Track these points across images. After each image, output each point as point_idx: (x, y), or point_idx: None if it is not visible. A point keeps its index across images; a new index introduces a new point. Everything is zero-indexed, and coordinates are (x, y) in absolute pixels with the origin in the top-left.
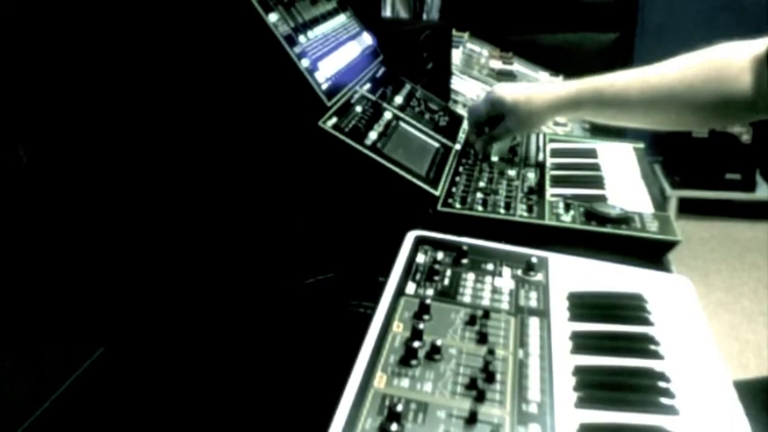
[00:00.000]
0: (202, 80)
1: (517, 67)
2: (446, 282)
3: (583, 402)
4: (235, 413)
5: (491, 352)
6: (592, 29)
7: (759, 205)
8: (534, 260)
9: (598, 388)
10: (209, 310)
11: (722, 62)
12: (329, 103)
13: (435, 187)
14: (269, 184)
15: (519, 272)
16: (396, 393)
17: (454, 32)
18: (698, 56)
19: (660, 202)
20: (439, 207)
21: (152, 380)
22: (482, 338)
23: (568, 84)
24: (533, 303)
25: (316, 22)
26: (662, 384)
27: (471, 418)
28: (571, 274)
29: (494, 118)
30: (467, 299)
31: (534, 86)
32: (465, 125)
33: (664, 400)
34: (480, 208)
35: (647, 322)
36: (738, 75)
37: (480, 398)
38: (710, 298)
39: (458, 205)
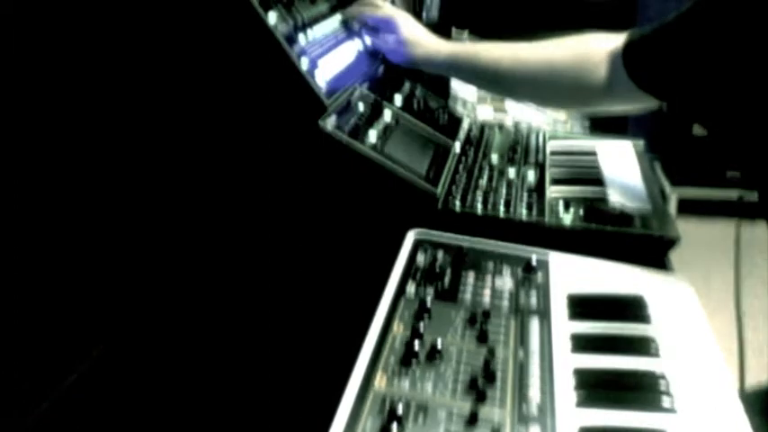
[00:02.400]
0: (202, 80)
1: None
2: (446, 282)
3: (583, 402)
4: (235, 413)
5: (491, 352)
6: (592, 27)
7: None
8: (534, 260)
9: (598, 388)
10: (209, 310)
11: (585, 51)
12: (329, 103)
13: (435, 187)
14: (268, 183)
15: (519, 272)
16: (396, 394)
17: (453, 31)
18: (567, 41)
19: (660, 200)
20: (439, 206)
21: (152, 379)
22: (482, 338)
23: (449, 45)
24: (533, 303)
25: (315, 21)
26: (662, 384)
27: (472, 419)
28: (571, 273)
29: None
30: (467, 299)
31: (425, 34)
32: (465, 123)
33: (664, 401)
34: (480, 207)
35: (647, 322)
36: (597, 65)
37: (481, 398)
38: (710, 297)
39: (458, 205)
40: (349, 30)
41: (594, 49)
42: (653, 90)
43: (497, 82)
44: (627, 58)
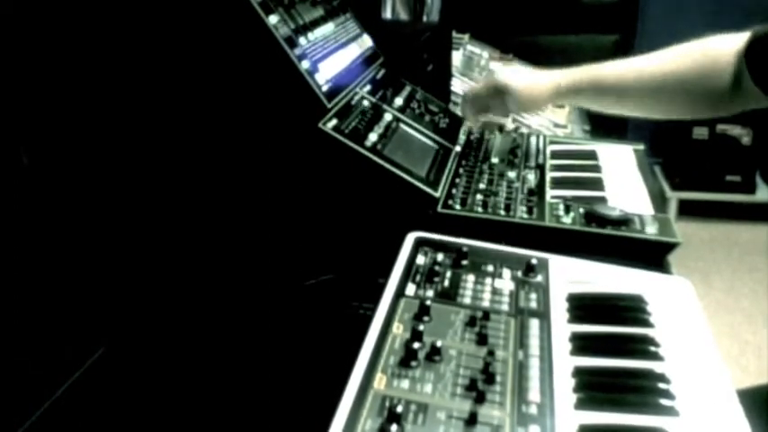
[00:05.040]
0: (203, 82)
1: (517, 68)
2: (446, 283)
3: (583, 404)
4: (235, 414)
5: (491, 353)
6: (592, 30)
7: (759, 207)
8: (534, 262)
9: (598, 389)
10: (209, 311)
11: (712, 54)
12: (329, 105)
13: (435, 189)
14: (269, 185)
15: (519, 273)
16: (396, 394)
17: (454, 34)
18: (691, 47)
19: (660, 203)
20: (439, 209)
21: (153, 380)
22: (482, 340)
23: (568, 72)
24: (533, 305)
25: (316, 23)
26: (662, 386)
27: (471, 420)
28: (571, 275)
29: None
30: (467, 300)
31: (534, 74)
32: (466, 126)
33: (664, 402)
34: (480, 209)
35: (647, 323)
36: (725, 68)
37: (480, 399)
38: (710, 299)
39: (458, 207)
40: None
41: (718, 52)
42: None
43: (623, 102)
44: (750, 59)
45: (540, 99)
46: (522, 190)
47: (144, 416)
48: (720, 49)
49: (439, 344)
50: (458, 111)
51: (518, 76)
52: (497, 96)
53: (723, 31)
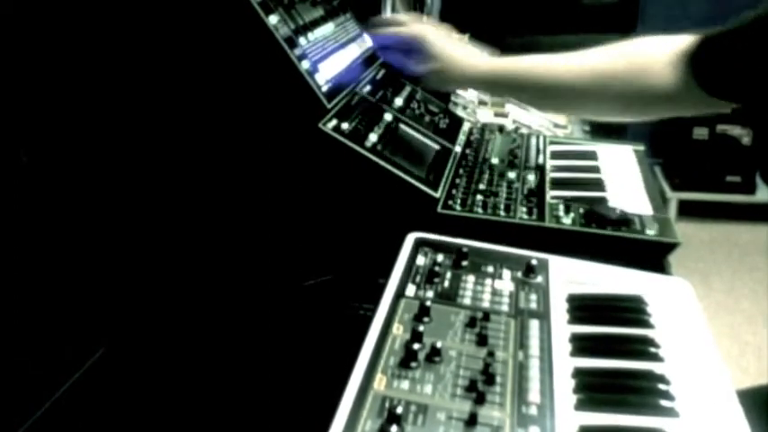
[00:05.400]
0: (203, 82)
1: (460, 41)
2: (446, 284)
3: (583, 405)
4: (235, 414)
5: (491, 354)
6: (592, 30)
7: (759, 208)
8: (534, 262)
9: (598, 390)
10: (209, 312)
11: (645, 56)
12: (329, 105)
13: (435, 189)
14: (269, 185)
15: (519, 274)
16: (396, 395)
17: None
18: (622, 47)
19: (660, 204)
20: (439, 209)
21: (153, 381)
22: (482, 340)
23: (490, 62)
24: (533, 305)
25: (316, 23)
26: (662, 387)
27: (471, 420)
28: (571, 276)
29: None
30: (467, 301)
31: (460, 49)
32: (466, 126)
33: (664, 403)
34: (480, 210)
35: (646, 324)
36: (660, 69)
37: (480, 400)
38: (710, 300)
39: (458, 207)
40: (349, 32)
41: (653, 53)
42: (726, 95)
43: (547, 97)
44: (695, 63)
45: (456, 72)
46: (523, 190)
47: (144, 416)
48: (655, 50)
49: (439, 345)
50: (458, 111)
51: (448, 39)
52: (414, 48)
53: None
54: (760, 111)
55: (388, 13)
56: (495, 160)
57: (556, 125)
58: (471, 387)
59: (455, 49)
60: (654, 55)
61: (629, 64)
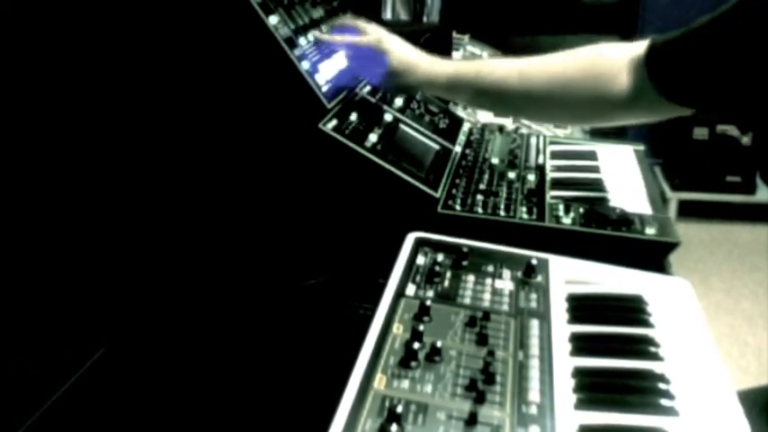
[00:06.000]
0: (203, 82)
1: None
2: (446, 283)
3: (582, 404)
4: (235, 414)
5: (491, 353)
6: (592, 31)
7: (759, 208)
8: (534, 262)
9: (598, 390)
10: (209, 312)
11: (602, 61)
12: (329, 106)
13: (435, 189)
14: (270, 186)
15: (519, 274)
16: (396, 395)
17: (454, 35)
18: (579, 52)
19: (660, 204)
20: (439, 209)
21: (153, 381)
22: (482, 340)
23: (448, 65)
24: (533, 305)
25: (316, 24)
26: (662, 386)
27: (471, 420)
28: (571, 276)
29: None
30: (467, 300)
31: (419, 55)
32: (466, 126)
33: (663, 402)
34: (480, 210)
35: (646, 324)
36: (617, 75)
37: (480, 399)
38: (710, 300)
39: (458, 207)
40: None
41: (610, 58)
42: (684, 100)
43: (505, 102)
44: (652, 68)
45: (415, 78)
46: (523, 190)
47: (144, 416)
48: (612, 56)
49: (439, 344)
50: (458, 111)
51: (402, 52)
52: (375, 54)
53: None
54: (716, 114)
55: (387, 14)
56: (495, 160)
57: (556, 125)
58: (471, 386)
59: (413, 53)
60: (612, 60)
61: (589, 69)
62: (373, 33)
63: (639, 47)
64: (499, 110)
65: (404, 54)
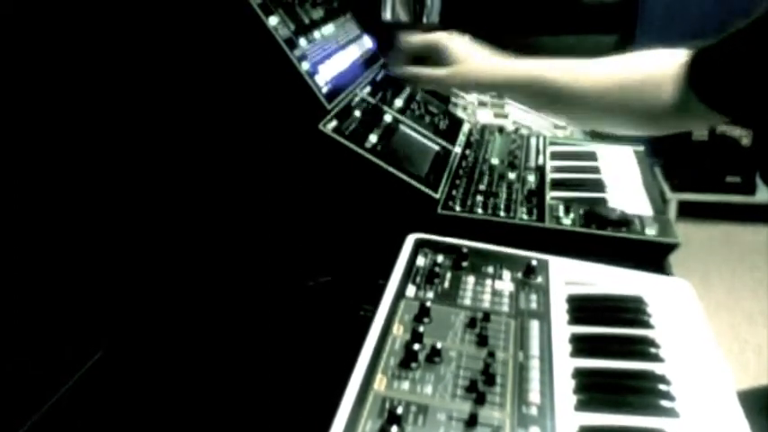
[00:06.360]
0: (203, 83)
1: (471, 42)
2: (446, 284)
3: (583, 405)
4: (235, 416)
5: (491, 354)
6: (591, 31)
7: (759, 208)
8: (534, 263)
9: (598, 391)
10: (209, 313)
11: (652, 70)
12: (329, 107)
13: (435, 190)
14: (269, 187)
15: (519, 275)
16: (396, 396)
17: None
18: (634, 57)
19: (660, 204)
20: (439, 210)
21: (152, 383)
22: (482, 341)
23: (508, 64)
24: (533, 306)
25: (316, 25)
26: (662, 387)
27: (471, 421)
28: (571, 276)
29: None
30: (467, 301)
31: (479, 54)
32: (466, 127)
33: (664, 403)
34: (480, 211)
35: (647, 325)
36: (662, 82)
37: (480, 400)
38: (711, 300)
39: (458, 208)
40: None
41: (657, 65)
42: (724, 108)
43: (561, 105)
44: (691, 75)
45: (473, 75)
46: (522, 191)
47: (144, 418)
48: (659, 63)
49: (439, 345)
50: (458, 112)
51: (464, 50)
52: (432, 54)
53: (722, 32)
54: (761, 123)
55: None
56: (495, 161)
57: (556, 126)
58: (471, 387)
59: (474, 51)
60: (658, 69)
61: (638, 75)
62: (437, 34)
63: (684, 54)
64: (555, 112)
65: (465, 50)
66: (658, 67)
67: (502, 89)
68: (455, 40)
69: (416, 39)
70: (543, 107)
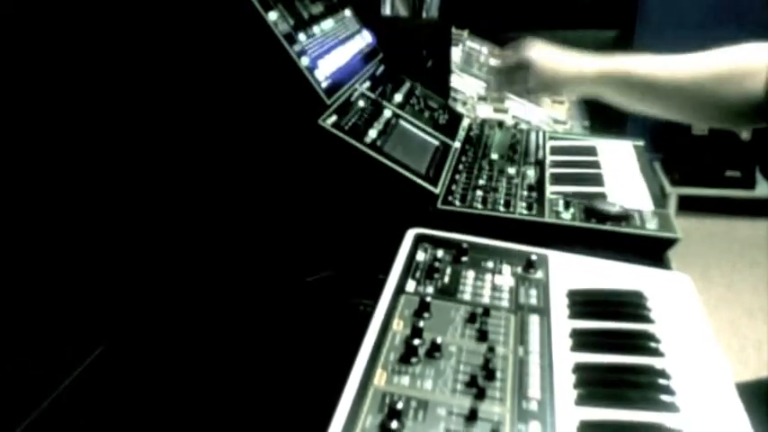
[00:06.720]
0: (202, 79)
1: (547, 47)
2: (446, 279)
3: (583, 400)
4: (235, 411)
5: (491, 349)
6: (591, 26)
7: (759, 203)
8: (534, 258)
9: (598, 385)
10: (209, 308)
11: (748, 62)
12: (329, 102)
13: (435, 185)
14: (269, 182)
15: (519, 269)
16: (396, 391)
17: (453, 30)
18: (725, 53)
19: (660, 199)
20: (439, 205)
21: (152, 379)
22: (482, 336)
23: (597, 61)
24: (533, 301)
25: (315, 20)
26: (662, 381)
27: (471, 416)
28: (571, 271)
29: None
30: (467, 296)
31: (565, 58)
32: (465, 122)
33: (664, 398)
34: (480, 206)
35: (646, 319)
36: (757, 74)
37: (480, 395)
38: (710, 294)
39: (458, 203)
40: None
41: (753, 58)
42: None
43: (651, 98)
44: None
45: (561, 79)
46: (522, 186)
47: (143, 414)
48: (755, 56)
49: (439, 340)
50: (457, 107)
51: (544, 52)
52: (521, 70)
53: (722, 26)
54: None
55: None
56: (494, 156)
57: (555, 120)
58: (472, 382)
59: (558, 56)
60: (756, 60)
61: (734, 69)
62: (518, 53)
63: None
64: (640, 105)
65: (547, 57)
66: (754, 58)
67: (593, 86)
68: (534, 48)
69: (505, 62)
70: (635, 101)
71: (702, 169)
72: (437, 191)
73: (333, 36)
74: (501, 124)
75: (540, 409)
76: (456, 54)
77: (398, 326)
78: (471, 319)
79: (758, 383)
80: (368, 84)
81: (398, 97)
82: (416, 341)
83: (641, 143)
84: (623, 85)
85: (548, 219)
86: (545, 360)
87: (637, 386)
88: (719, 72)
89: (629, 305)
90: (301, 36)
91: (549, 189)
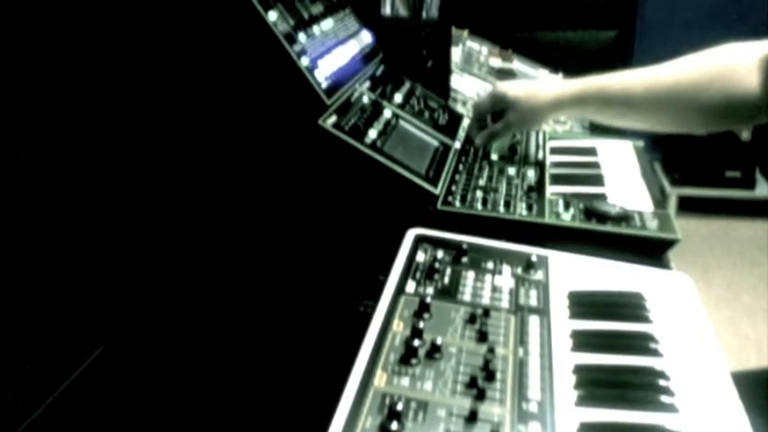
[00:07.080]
0: (202, 79)
1: (517, 64)
2: (446, 280)
3: (583, 400)
4: (235, 411)
5: (491, 350)
6: (591, 26)
7: (759, 203)
8: (534, 258)
9: (598, 386)
10: (208, 309)
11: (728, 63)
12: (329, 102)
13: (435, 186)
14: (269, 182)
15: (519, 270)
16: (396, 392)
17: (453, 30)
18: (704, 56)
19: (660, 199)
20: (439, 205)
21: (152, 379)
22: (482, 337)
23: (572, 81)
24: (533, 302)
25: (315, 20)
26: (662, 382)
27: (471, 417)
28: (571, 272)
29: (497, 114)
30: (467, 297)
31: (537, 84)
32: (465, 122)
33: (664, 398)
34: (480, 206)
35: (646, 320)
36: (745, 76)
37: (480, 396)
38: (710, 294)
39: (458, 204)
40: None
41: (737, 58)
42: None
43: (632, 112)
44: None
45: (542, 110)
46: (522, 186)
47: (143, 414)
48: (737, 58)
49: (439, 341)
50: (457, 107)
51: (517, 85)
52: (498, 108)
53: (722, 26)
54: None
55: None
56: (494, 156)
57: (555, 121)
58: (471, 383)
59: (531, 86)
60: (738, 61)
61: (715, 71)
62: (490, 92)
63: (766, 45)
64: (625, 121)
65: (521, 89)
66: (737, 60)
67: (570, 108)
68: (506, 84)
69: (478, 104)
70: (616, 117)
71: (702, 169)
72: (437, 191)
73: (333, 36)
74: None
75: (540, 409)
76: (456, 54)
77: (398, 327)
78: (471, 319)
79: (757, 374)
80: (368, 84)
81: (398, 97)
82: (416, 342)
83: (641, 143)
84: (600, 102)
85: (548, 219)
86: (545, 361)
87: (636, 387)
88: (698, 77)
89: (629, 306)
90: (301, 36)
91: (549, 190)
